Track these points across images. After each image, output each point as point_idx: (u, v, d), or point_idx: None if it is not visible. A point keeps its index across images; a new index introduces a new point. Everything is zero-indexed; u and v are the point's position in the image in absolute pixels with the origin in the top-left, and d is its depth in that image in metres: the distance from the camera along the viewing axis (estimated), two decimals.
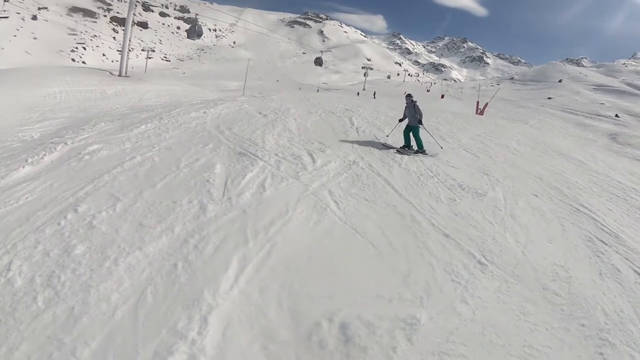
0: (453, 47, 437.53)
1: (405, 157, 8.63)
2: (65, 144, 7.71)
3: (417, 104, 9.35)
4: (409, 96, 9.61)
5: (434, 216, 5.61)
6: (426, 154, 9.00)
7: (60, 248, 4.17)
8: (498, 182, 7.63)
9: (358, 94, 47.45)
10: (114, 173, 6.17)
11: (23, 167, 6.44)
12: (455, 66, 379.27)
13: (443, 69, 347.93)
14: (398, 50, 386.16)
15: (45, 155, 7.02)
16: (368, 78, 76.64)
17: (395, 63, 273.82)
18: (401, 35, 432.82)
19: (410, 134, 9.37)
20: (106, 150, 7.34)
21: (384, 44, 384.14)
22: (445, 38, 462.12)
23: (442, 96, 49.90)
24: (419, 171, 7.68)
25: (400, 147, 9.24)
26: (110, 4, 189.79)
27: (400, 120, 9.90)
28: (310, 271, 4.06)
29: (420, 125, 9.34)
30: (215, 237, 4.46)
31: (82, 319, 3.28)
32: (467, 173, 8.01)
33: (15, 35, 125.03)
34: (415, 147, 9.25)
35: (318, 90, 54.12)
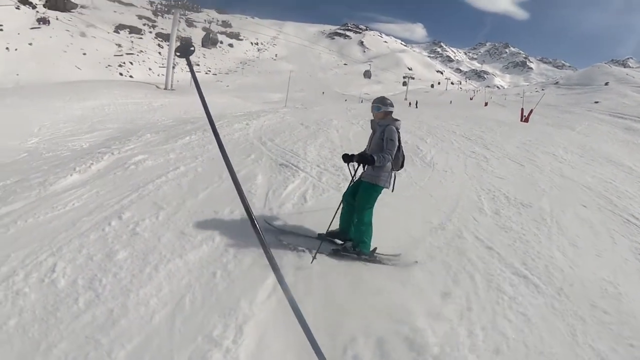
0: (495, 52, 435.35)
1: (452, 167, 8.55)
2: (112, 153, 8.36)
3: (394, 128, 4.78)
4: (378, 104, 5.00)
5: (478, 228, 5.66)
6: (364, 255, 4.74)
7: (103, 253, 4.50)
8: (544, 192, 7.60)
9: (410, 104, 47.79)
10: (158, 182, 6.62)
11: (71, 174, 7.04)
12: (498, 72, 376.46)
13: (485, 76, 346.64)
14: (439, 59, 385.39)
15: (92, 164, 7.63)
16: (410, 88, 76.99)
17: (437, 71, 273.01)
18: (442, 43, 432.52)
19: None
20: (151, 160, 7.90)
21: (424, 53, 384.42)
22: (487, 44, 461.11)
23: (486, 104, 49.99)
24: (462, 182, 7.71)
25: (328, 235, 5.10)
26: (155, 21, 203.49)
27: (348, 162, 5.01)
28: (350, 285, 4.14)
29: (374, 186, 4.78)
30: (255, 247, 4.61)
31: (120, 322, 3.51)
32: (513, 183, 8.03)
33: (65, 51, 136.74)
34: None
35: (362, 101, 54.72)
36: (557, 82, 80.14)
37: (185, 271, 4.22)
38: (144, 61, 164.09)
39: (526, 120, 24.94)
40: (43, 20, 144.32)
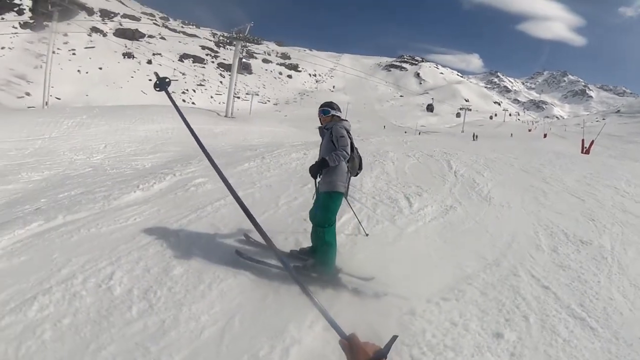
0: (553, 82, 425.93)
1: (509, 201, 8.40)
2: (174, 175, 9.00)
3: (341, 125, 4.72)
4: (326, 108, 5.01)
5: (534, 266, 5.55)
6: (325, 277, 4.68)
7: (160, 267, 4.87)
8: (605, 229, 7.32)
9: (474, 135, 47.28)
10: (216, 205, 7.04)
11: (134, 191, 7.65)
12: (557, 102, 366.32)
13: (544, 106, 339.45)
14: (496, 89, 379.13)
15: (155, 183, 8.26)
16: (467, 119, 76.47)
17: (494, 102, 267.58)
18: (498, 73, 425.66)
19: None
20: (211, 184, 8.40)
21: (481, 84, 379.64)
22: (545, 73, 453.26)
23: (545, 135, 49.64)
24: (519, 217, 7.60)
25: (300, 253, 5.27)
26: (217, 52, 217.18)
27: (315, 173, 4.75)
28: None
29: (330, 192, 4.67)
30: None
31: (170, 333, 3.77)
32: (572, 218, 7.81)
33: (132, 77, 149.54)
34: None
35: (419, 133, 54.43)
36: (618, 111, 76.78)
37: (238, 292, 4.45)
38: (206, 89, 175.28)
39: (587, 151, 24.51)
40: (128, 55, 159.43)
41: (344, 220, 6.44)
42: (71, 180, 10.11)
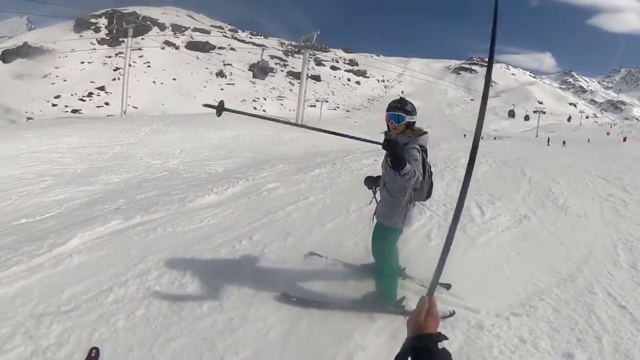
0: (631, 79, 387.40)
1: (586, 211, 7.91)
2: (247, 179, 9.41)
3: (417, 147, 3.88)
4: (400, 113, 3.95)
5: (611, 283, 5.18)
6: (390, 307, 4.35)
7: (231, 268, 5.13)
8: None
9: (548, 140, 44.64)
10: (288, 210, 7.29)
11: (209, 195, 8.11)
12: (637, 102, 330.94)
13: (623, 107, 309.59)
14: (571, 90, 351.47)
15: (228, 187, 8.68)
16: (541, 123, 72.17)
17: (570, 104, 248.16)
18: (573, 72, 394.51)
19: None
20: (283, 189, 8.70)
21: (555, 84, 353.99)
22: (622, 70, 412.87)
23: (625, 139, 46.93)
24: (597, 229, 7.15)
25: None
26: (286, 60, 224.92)
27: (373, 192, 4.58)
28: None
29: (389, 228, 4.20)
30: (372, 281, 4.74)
31: (237, 331, 3.95)
32: None
33: (205, 87, 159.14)
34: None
35: (495, 138, 52.03)
36: None
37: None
38: (276, 97, 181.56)
39: None
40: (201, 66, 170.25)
41: (414, 229, 6.37)
42: (148, 183, 10.85)
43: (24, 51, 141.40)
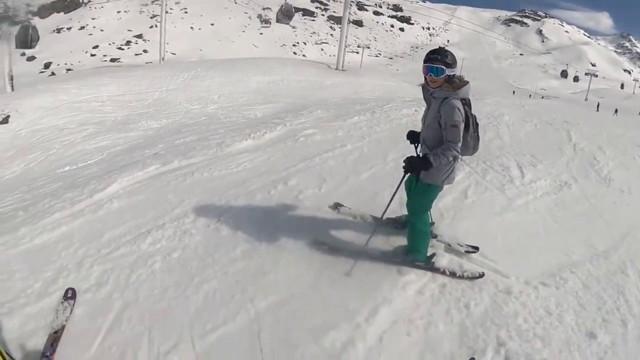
0: None
1: (630, 187, 7.43)
2: (285, 125, 9.35)
3: (456, 103, 3.68)
4: (439, 65, 3.67)
5: None
6: (418, 263, 4.26)
7: (265, 212, 5.18)
8: None
9: (598, 106, 41.85)
10: (324, 157, 7.23)
11: (246, 140, 8.13)
12: None
13: None
14: (627, 55, 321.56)
15: (266, 132, 8.66)
16: (591, 87, 68.02)
17: (624, 70, 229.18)
18: (631, 37, 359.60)
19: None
20: (320, 135, 8.62)
21: (610, 47, 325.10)
22: None
23: None
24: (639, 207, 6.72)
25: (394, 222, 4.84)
26: (327, 4, 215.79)
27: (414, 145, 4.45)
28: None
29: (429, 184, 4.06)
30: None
31: (268, 275, 4.04)
32: None
33: (243, 31, 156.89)
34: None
35: (543, 97, 49.56)
36: None
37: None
38: (316, 42, 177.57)
39: None
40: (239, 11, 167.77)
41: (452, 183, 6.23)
42: (187, 128, 10.99)
43: (60, 5, 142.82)
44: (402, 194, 4.41)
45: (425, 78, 3.80)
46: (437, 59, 3.66)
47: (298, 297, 3.82)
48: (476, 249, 4.48)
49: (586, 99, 59.03)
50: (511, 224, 5.45)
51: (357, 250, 4.32)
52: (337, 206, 5.24)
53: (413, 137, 4.33)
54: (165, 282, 4.00)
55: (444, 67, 3.64)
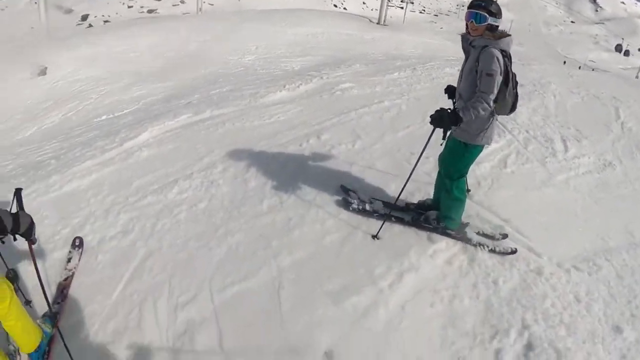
0: None
1: None
2: (321, 78, 9.07)
3: (495, 52, 3.40)
4: (480, 12, 3.43)
5: None
6: (450, 231, 4.09)
7: (296, 165, 5.09)
8: None
9: None
10: (360, 112, 6.95)
11: (280, 91, 7.95)
12: None
13: None
14: None
15: (301, 84, 8.42)
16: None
17: None
18: None
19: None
20: (357, 89, 8.31)
21: None
22: None
23: None
24: None
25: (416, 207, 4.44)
26: None
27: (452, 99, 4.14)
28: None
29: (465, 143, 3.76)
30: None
31: (294, 231, 3.96)
32: None
33: None
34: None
35: (593, 70, 46.92)
36: None
37: None
38: None
39: None
40: None
41: (490, 150, 5.88)
42: (223, 79, 10.87)
43: None
44: (433, 171, 4.20)
45: (466, 25, 3.57)
46: (481, 6, 3.42)
47: (322, 257, 3.74)
48: (505, 236, 4.18)
49: (637, 77, 55.28)
50: (550, 200, 5.11)
51: (387, 212, 4.14)
52: (346, 191, 4.66)
53: (451, 91, 4.07)
54: (190, 233, 3.97)
55: (487, 15, 3.40)
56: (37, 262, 2.72)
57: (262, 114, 6.71)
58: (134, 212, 4.27)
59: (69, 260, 3.56)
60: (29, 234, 2.31)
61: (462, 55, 3.82)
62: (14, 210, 2.29)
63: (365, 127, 6.40)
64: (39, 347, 2.63)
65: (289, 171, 4.97)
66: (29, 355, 2.60)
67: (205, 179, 4.78)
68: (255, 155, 5.31)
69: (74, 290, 3.35)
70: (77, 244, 3.68)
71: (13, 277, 3.43)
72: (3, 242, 2.25)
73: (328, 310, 3.25)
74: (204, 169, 5.00)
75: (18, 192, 2.41)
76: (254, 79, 10.07)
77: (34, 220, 2.35)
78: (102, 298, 3.23)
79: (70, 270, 3.46)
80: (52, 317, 2.94)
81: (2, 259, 3.01)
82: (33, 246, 2.53)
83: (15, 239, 2.27)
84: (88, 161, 5.25)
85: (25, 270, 3.40)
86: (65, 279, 3.37)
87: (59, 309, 3.08)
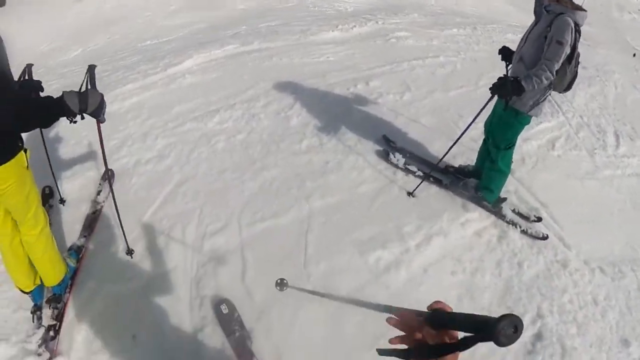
0: None
1: None
2: (376, 22, 8.68)
3: (570, 21, 3.17)
4: None
5: None
6: (485, 203, 3.95)
7: (339, 110, 4.96)
8: None
9: None
10: (413, 64, 6.61)
11: (332, 30, 7.64)
12: None
13: None
14: None
15: (355, 26, 8.08)
16: None
17: None
18: None
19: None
20: (413, 40, 7.93)
21: None
22: None
23: None
24: None
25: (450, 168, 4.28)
26: None
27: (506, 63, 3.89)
28: None
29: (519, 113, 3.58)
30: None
31: (330, 175, 3.90)
32: None
33: None
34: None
35: None
36: None
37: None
38: None
39: None
40: None
41: (541, 128, 5.55)
42: (272, 13, 10.56)
43: None
44: (479, 138, 4.08)
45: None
46: None
47: (355, 205, 3.68)
48: (539, 219, 3.98)
49: None
50: (589, 194, 4.78)
51: (426, 172, 4.02)
52: (388, 142, 4.52)
53: (506, 54, 3.81)
54: (225, 163, 3.95)
55: None
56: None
57: (311, 52, 6.50)
58: (172, 137, 4.26)
59: (98, 192, 3.54)
60: (97, 113, 2.18)
61: (526, 24, 3.55)
62: (85, 88, 2.17)
63: (416, 80, 6.13)
64: (62, 280, 2.62)
65: (333, 114, 4.84)
66: (52, 288, 2.59)
67: (246, 111, 4.71)
68: (300, 93, 5.18)
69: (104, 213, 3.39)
70: (108, 175, 3.66)
71: (49, 193, 3.51)
72: (75, 122, 2.15)
73: (352, 260, 3.22)
74: (246, 100, 4.92)
75: (91, 69, 2.28)
76: (305, 16, 9.75)
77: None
78: (132, 219, 3.23)
79: (99, 203, 3.44)
80: (78, 251, 2.96)
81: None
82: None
83: (83, 118, 2.15)
84: (130, 84, 5.23)
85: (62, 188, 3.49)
86: (94, 212, 3.35)
87: (85, 242, 3.07)
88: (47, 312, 2.55)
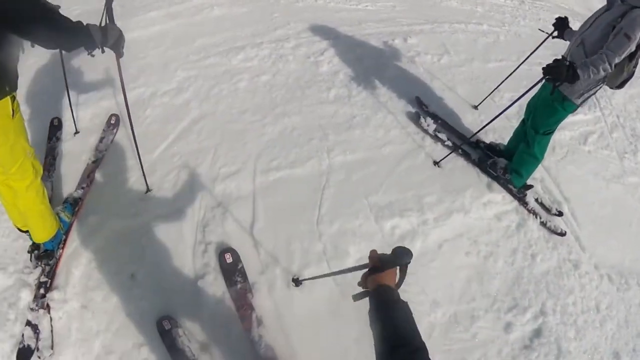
0: None
1: None
2: None
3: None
4: None
5: None
6: (512, 187, 3.82)
7: (372, 62, 4.68)
8: None
9: None
10: (455, 27, 6.22)
11: None
12: None
13: None
14: None
15: None
16: None
17: None
18: None
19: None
20: (457, 2, 7.41)
21: None
22: None
23: None
24: None
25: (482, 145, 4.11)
26: None
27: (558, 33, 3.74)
28: None
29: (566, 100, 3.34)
30: None
31: (354, 130, 3.72)
32: None
33: None
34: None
35: None
36: None
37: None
38: None
39: None
40: None
41: (576, 120, 5.24)
42: None
43: None
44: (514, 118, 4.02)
45: None
46: None
47: (377, 166, 3.52)
48: (561, 214, 3.82)
49: None
50: (613, 197, 4.53)
51: (457, 142, 3.84)
52: (420, 104, 4.32)
53: (561, 25, 3.58)
54: (246, 104, 3.78)
55: None
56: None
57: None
58: (192, 70, 4.08)
59: (100, 140, 3.32)
60: (117, 47, 2.19)
61: (575, 9, 3.24)
62: (103, 23, 2.15)
63: (456, 44, 5.78)
64: (55, 236, 2.49)
65: (365, 66, 4.59)
66: (43, 244, 2.47)
67: (274, 52, 4.48)
68: (333, 39, 4.91)
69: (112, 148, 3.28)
70: (113, 122, 3.42)
71: (57, 125, 3.35)
72: (93, 56, 2.12)
73: (366, 224, 3.09)
74: (275, 40, 4.68)
75: (109, 3, 2.23)
76: None
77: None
78: (142, 153, 3.01)
79: (100, 152, 3.23)
80: (74, 204, 2.82)
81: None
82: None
83: (103, 52, 2.13)
84: (154, 12, 4.99)
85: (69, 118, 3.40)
86: (94, 161, 3.16)
87: (82, 194, 2.91)
88: (37, 270, 2.48)
